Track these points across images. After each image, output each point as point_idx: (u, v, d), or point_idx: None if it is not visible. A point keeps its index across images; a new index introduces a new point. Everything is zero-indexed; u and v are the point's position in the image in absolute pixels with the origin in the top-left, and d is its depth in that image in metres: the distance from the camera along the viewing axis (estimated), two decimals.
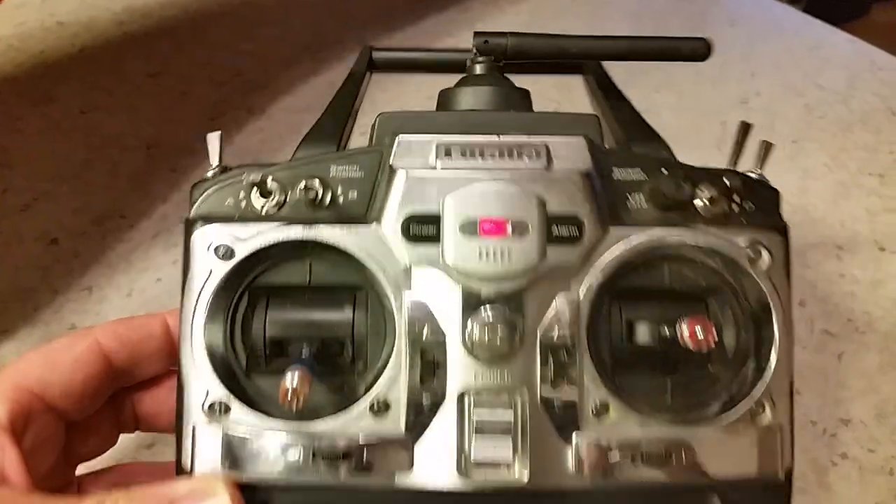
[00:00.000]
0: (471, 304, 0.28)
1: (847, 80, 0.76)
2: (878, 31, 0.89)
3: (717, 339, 0.28)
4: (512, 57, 0.35)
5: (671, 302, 0.30)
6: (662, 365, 0.30)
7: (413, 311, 0.29)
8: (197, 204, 0.30)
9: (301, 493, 0.28)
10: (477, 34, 0.34)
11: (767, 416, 0.29)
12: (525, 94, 0.36)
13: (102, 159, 0.63)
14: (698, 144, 0.67)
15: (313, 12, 0.84)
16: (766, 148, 0.32)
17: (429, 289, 0.29)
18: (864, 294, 0.54)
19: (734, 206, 0.31)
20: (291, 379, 0.26)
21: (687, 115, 0.70)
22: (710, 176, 0.31)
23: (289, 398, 0.26)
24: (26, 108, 0.68)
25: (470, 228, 0.29)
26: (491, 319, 0.28)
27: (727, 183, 0.30)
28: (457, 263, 0.28)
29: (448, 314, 0.29)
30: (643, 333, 0.30)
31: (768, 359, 0.29)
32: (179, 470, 0.29)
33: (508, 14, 0.84)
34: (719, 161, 0.67)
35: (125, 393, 0.34)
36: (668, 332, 0.29)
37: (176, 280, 0.52)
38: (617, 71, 0.76)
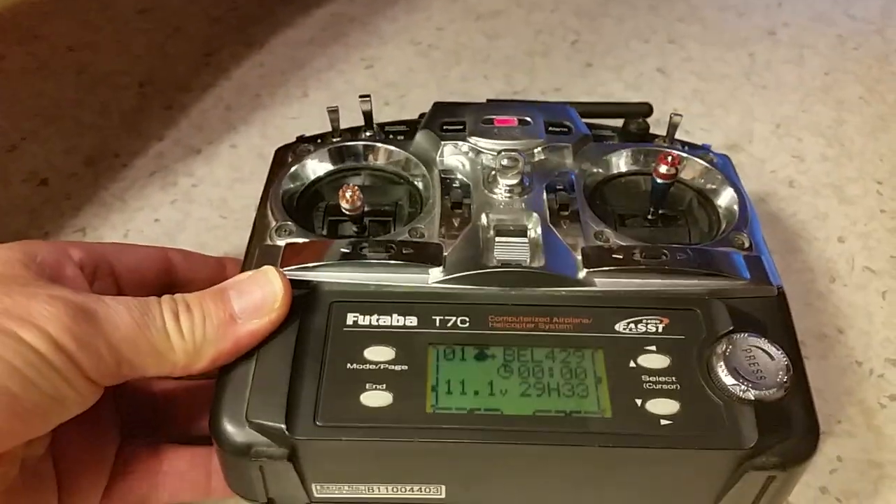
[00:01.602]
0: (489, 166, 0.37)
1: (881, 8, 0.72)
2: None
3: (681, 160, 0.37)
4: None
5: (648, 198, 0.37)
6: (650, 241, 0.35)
7: (445, 173, 0.37)
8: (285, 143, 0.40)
9: (345, 292, 0.31)
10: (489, 101, 0.46)
11: (746, 243, 0.34)
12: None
13: (93, 98, 0.59)
14: (727, 74, 0.63)
15: None
16: (674, 124, 0.40)
17: (456, 162, 0.38)
18: None
19: (686, 148, 0.40)
20: (350, 187, 0.34)
21: (713, 46, 0.66)
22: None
23: (347, 194, 0.33)
24: (10, 45, 0.64)
25: (487, 122, 0.39)
26: (507, 162, 0.36)
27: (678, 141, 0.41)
28: (477, 139, 0.38)
29: (472, 173, 0.37)
30: (632, 222, 0.37)
31: (731, 209, 0.36)
32: None
33: None
34: (749, 90, 0.63)
35: None
36: (650, 213, 0.37)
37: (175, 221, 0.49)
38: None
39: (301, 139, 0.40)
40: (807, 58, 0.66)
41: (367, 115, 0.40)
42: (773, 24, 0.70)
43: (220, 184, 0.52)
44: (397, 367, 0.29)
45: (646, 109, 0.46)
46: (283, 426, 0.27)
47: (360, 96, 0.39)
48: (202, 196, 0.51)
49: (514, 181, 0.35)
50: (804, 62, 0.66)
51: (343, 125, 0.40)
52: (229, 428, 0.28)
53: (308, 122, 0.57)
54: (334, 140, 0.39)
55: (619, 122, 0.44)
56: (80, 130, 0.56)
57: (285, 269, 0.32)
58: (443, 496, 0.30)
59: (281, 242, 0.33)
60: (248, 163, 0.53)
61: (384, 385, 0.29)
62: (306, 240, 0.33)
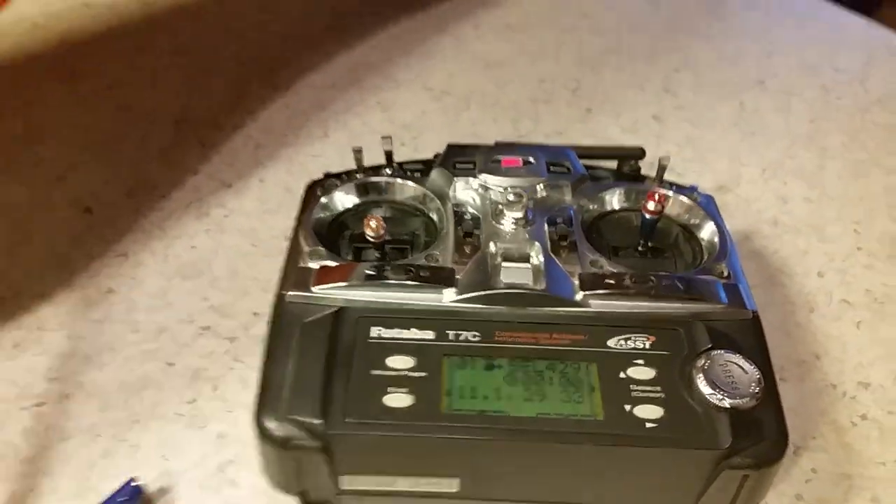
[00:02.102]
0: (497, 201, 0.42)
1: (863, 61, 0.77)
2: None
3: (667, 198, 0.41)
4: None
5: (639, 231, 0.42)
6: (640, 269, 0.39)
7: (457, 207, 0.42)
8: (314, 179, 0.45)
9: (370, 309, 0.36)
10: (497, 143, 0.49)
11: (725, 272, 0.39)
12: None
13: (132, 133, 0.64)
14: (717, 121, 0.68)
15: None
16: (663, 166, 0.45)
17: (467, 197, 0.43)
18: (882, 267, 0.55)
19: (674, 188, 0.44)
20: (374, 217, 0.39)
21: (705, 93, 0.71)
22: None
23: (372, 223, 0.38)
24: (53, 84, 0.70)
25: (495, 162, 0.44)
26: (513, 197, 0.41)
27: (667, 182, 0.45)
28: (486, 177, 0.43)
29: (482, 207, 0.42)
30: (624, 253, 0.42)
31: (713, 242, 0.41)
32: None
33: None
34: (736, 136, 0.68)
35: None
36: (641, 245, 0.42)
37: (210, 248, 0.54)
38: (640, 49, 0.77)
39: (329, 175, 0.45)
40: (794, 107, 0.71)
41: (389, 155, 0.45)
42: (762, 74, 0.75)
43: (251, 215, 0.56)
44: (416, 374, 0.34)
45: (638, 153, 0.51)
46: (318, 421, 0.32)
47: (383, 137, 0.44)
48: (233, 226, 0.55)
49: (519, 214, 0.40)
50: (790, 110, 0.71)
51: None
52: (271, 424, 0.32)
53: (328, 160, 0.62)
54: (359, 176, 0.44)
55: (614, 164, 0.49)
56: (121, 162, 0.61)
57: (317, 287, 0.36)
58: (456, 489, 0.34)
59: (313, 265, 0.38)
60: (276, 196, 0.58)
61: (405, 389, 0.33)
62: (335, 263, 0.38)
